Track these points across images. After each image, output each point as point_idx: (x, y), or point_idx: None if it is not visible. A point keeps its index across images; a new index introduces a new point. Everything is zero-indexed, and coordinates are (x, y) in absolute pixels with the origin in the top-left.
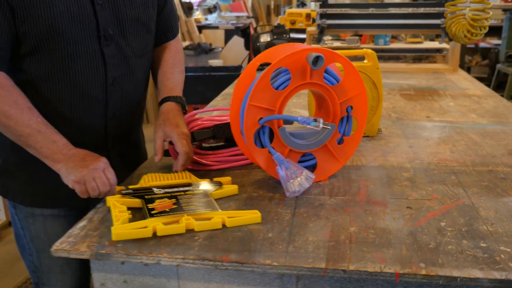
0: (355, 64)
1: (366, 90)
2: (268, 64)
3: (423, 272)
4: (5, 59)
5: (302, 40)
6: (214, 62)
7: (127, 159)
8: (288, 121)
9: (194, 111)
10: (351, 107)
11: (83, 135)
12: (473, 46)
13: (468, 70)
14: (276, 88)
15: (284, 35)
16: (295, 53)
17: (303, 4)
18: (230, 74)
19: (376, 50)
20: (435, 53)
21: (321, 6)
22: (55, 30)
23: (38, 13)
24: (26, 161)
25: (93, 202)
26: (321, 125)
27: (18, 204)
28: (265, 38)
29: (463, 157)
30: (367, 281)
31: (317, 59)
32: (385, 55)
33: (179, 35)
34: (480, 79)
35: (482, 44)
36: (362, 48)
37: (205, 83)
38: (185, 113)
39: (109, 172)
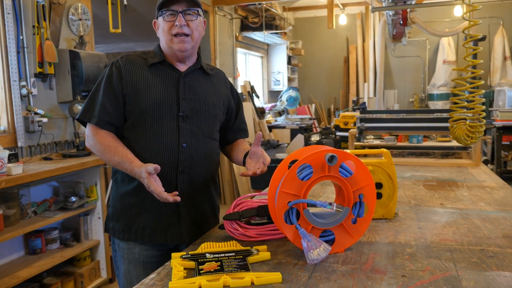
0: (375, 160)
1: (373, 182)
2: (296, 160)
3: None
4: (116, 128)
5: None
6: (280, 155)
7: (197, 224)
8: (311, 204)
9: (243, 195)
10: (363, 195)
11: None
12: (507, 143)
13: (505, 164)
14: (302, 179)
15: (330, 135)
16: (315, 153)
17: (355, 109)
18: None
19: (410, 148)
20: (461, 150)
21: (361, 112)
22: (149, 110)
23: (141, 99)
24: (127, 207)
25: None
26: (334, 208)
27: (120, 241)
28: (315, 137)
29: (462, 238)
30: None
31: (332, 158)
32: (417, 152)
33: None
34: None
35: None
36: (397, 145)
37: (271, 173)
38: None
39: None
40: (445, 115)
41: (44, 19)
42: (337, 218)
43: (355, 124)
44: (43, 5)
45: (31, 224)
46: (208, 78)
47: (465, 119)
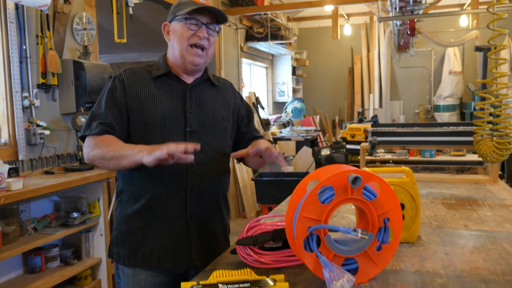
0: (396, 179)
1: (399, 205)
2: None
3: None
4: (120, 135)
5: (358, 151)
6: (286, 168)
7: (208, 247)
8: (333, 230)
9: (258, 217)
10: (388, 219)
11: (166, 200)
12: None
13: None
14: (322, 202)
15: (341, 149)
16: (338, 174)
17: (361, 121)
18: (299, 179)
19: (423, 162)
20: (477, 165)
21: (372, 126)
22: (155, 125)
23: (146, 114)
24: (133, 230)
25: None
26: (359, 235)
27: (125, 267)
28: (325, 152)
29: (495, 266)
30: None
31: (356, 179)
32: (430, 167)
33: None
34: None
35: None
36: (410, 159)
37: (277, 187)
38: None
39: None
40: (460, 128)
41: (48, 29)
42: (361, 245)
43: (366, 138)
44: (47, 14)
45: (30, 241)
46: (216, 89)
47: (491, 135)
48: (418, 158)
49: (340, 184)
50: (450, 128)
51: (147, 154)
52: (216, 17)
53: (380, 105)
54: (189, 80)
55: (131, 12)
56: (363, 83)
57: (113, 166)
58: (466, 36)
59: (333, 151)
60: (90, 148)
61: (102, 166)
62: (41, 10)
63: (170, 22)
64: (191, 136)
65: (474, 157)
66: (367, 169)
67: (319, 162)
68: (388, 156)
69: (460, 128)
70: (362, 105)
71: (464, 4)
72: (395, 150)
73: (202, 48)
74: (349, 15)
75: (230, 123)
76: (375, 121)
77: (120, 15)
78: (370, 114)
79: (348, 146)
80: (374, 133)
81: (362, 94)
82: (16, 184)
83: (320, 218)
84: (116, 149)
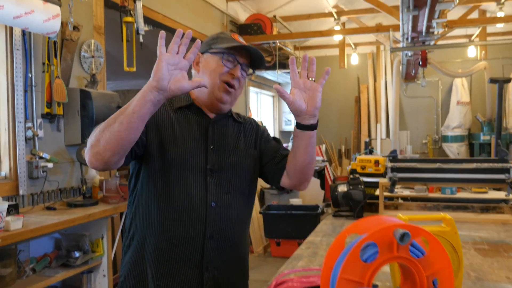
0: (435, 228)
1: (451, 264)
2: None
3: None
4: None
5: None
6: (294, 201)
7: None
8: None
9: (285, 272)
10: (437, 280)
11: (181, 245)
12: None
13: None
14: (365, 261)
15: (359, 186)
16: (382, 229)
17: (371, 152)
18: (308, 212)
19: (443, 200)
20: (503, 204)
21: (390, 161)
22: (173, 161)
23: (164, 147)
24: (141, 276)
25: None
26: None
27: None
28: (342, 188)
29: None
30: None
31: (403, 236)
32: (453, 205)
33: None
34: None
35: None
36: (429, 196)
37: (286, 220)
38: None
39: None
40: (485, 165)
41: (55, 56)
42: None
43: (385, 174)
44: (54, 42)
45: (28, 285)
46: (239, 126)
47: None
48: (438, 195)
49: (384, 240)
50: (475, 165)
51: (150, 87)
52: (253, 61)
53: (387, 135)
54: (212, 114)
55: (141, 40)
56: (369, 112)
57: (116, 131)
58: (474, 67)
59: (351, 187)
60: (89, 140)
61: (104, 145)
62: (49, 37)
63: (202, 53)
64: (211, 174)
65: (498, 195)
66: (402, 216)
67: (336, 199)
68: (406, 193)
69: (486, 165)
70: (369, 135)
71: (471, 35)
72: (413, 186)
73: (234, 89)
74: (356, 44)
75: (254, 159)
76: (393, 156)
77: (130, 43)
78: (377, 144)
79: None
80: (393, 169)
81: (368, 123)
82: (15, 224)
83: (362, 280)
84: (115, 114)
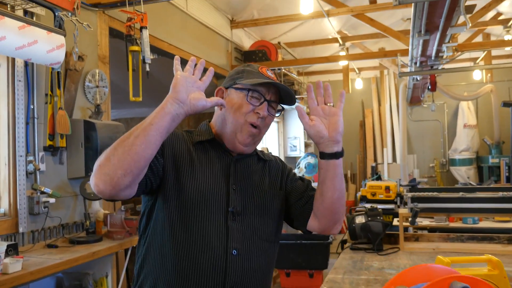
0: (480, 271)
1: None
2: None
3: None
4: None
5: (386, 211)
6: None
7: None
8: None
9: None
10: None
11: None
12: None
13: None
14: None
15: (378, 217)
16: (438, 282)
17: (378, 177)
18: (319, 242)
19: (465, 230)
20: None
21: (410, 191)
22: (191, 202)
23: (182, 186)
24: None
25: None
26: None
27: None
28: (360, 219)
29: None
30: None
31: None
32: (477, 236)
33: None
34: None
35: None
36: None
37: (296, 250)
38: None
39: None
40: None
41: (59, 87)
42: None
43: (405, 202)
44: (58, 72)
45: None
46: (264, 164)
47: None
48: (459, 224)
49: None
50: (501, 194)
51: (170, 99)
52: (291, 98)
53: (394, 159)
54: (234, 151)
55: (147, 69)
56: (375, 136)
57: (131, 145)
58: (481, 90)
59: (369, 218)
60: (96, 163)
61: (115, 163)
62: (52, 68)
63: (226, 88)
64: (233, 218)
65: None
66: (442, 258)
67: (353, 231)
68: (426, 223)
69: None
70: (375, 159)
71: (476, 58)
72: (433, 215)
73: (259, 129)
74: (360, 69)
75: (281, 203)
76: (413, 185)
77: (136, 73)
78: (384, 168)
79: (369, 206)
80: (414, 199)
81: (374, 148)
82: (14, 266)
83: None
84: (129, 130)
